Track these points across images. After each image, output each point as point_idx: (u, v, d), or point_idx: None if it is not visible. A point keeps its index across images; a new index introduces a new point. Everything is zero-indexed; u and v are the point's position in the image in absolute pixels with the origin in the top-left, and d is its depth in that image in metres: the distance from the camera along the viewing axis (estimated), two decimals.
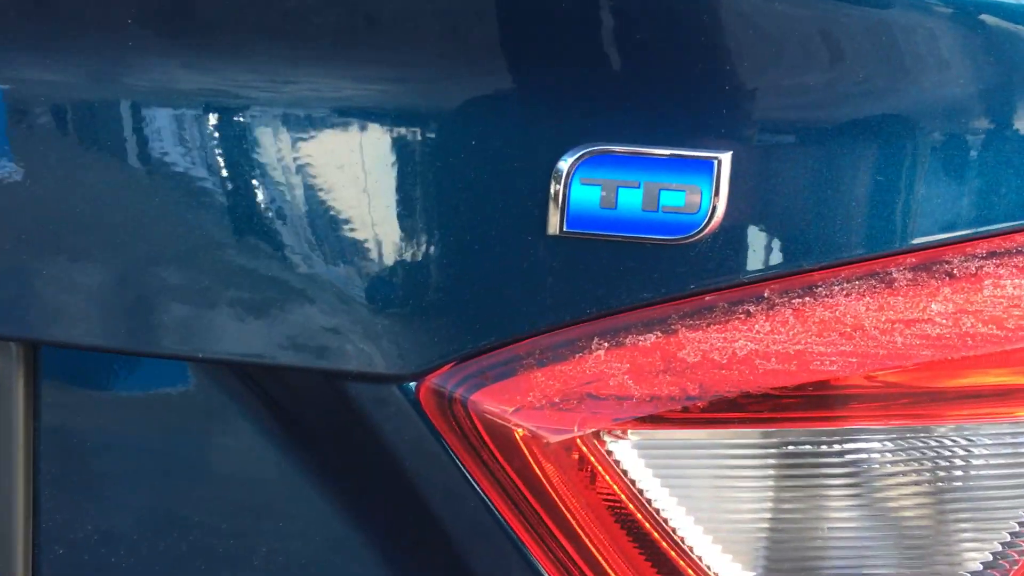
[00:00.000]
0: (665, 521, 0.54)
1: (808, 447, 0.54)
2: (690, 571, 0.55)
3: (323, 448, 0.62)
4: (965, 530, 0.56)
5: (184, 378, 0.67)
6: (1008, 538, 0.56)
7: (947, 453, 0.54)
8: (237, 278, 0.59)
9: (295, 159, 0.56)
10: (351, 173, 0.56)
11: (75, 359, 0.70)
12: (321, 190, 0.56)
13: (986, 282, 0.53)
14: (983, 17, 0.53)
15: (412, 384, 0.57)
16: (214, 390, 0.65)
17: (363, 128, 0.55)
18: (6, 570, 0.75)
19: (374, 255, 0.56)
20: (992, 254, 0.54)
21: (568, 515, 0.56)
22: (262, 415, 0.63)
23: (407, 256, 0.56)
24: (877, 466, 0.55)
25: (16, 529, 0.74)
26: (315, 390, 0.60)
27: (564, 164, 0.53)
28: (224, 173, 0.57)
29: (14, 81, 0.60)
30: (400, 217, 0.55)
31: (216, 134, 0.57)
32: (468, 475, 0.57)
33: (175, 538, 0.70)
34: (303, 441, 0.62)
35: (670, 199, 0.53)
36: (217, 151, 0.57)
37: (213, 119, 0.57)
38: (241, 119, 0.56)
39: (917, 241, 0.54)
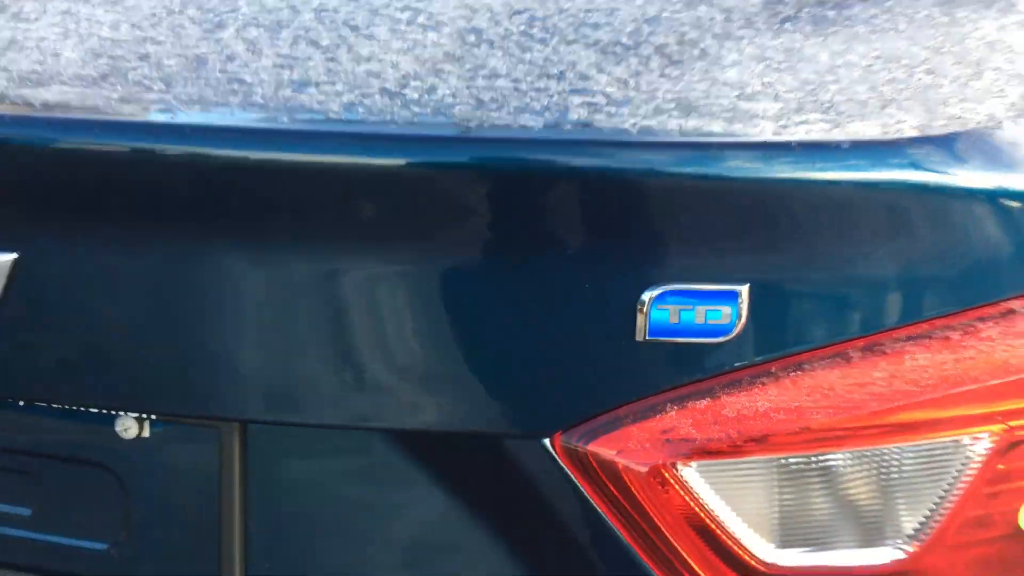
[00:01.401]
0: (720, 521, 0.86)
1: (803, 464, 0.86)
2: (735, 553, 0.87)
3: (482, 494, 0.92)
4: (901, 511, 0.89)
5: (365, 445, 0.96)
6: (923, 519, 0.89)
7: (887, 463, 0.87)
8: (418, 368, 0.89)
9: (444, 305, 0.87)
10: (501, 312, 0.87)
11: (275, 432, 0.98)
12: (470, 325, 0.87)
13: (906, 356, 0.86)
14: (896, 194, 0.86)
15: (547, 440, 0.88)
16: (393, 455, 0.94)
17: (501, 279, 0.87)
18: None
19: (522, 356, 0.87)
20: (909, 338, 0.87)
21: (657, 520, 0.87)
22: (431, 468, 0.93)
23: (546, 356, 0.87)
24: (844, 473, 0.87)
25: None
26: (477, 449, 0.90)
27: (646, 296, 0.84)
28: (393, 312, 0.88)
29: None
30: (537, 334, 0.86)
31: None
32: (589, 498, 0.88)
33: None
34: (467, 489, 0.92)
35: (712, 316, 0.85)
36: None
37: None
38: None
39: (864, 331, 0.87)
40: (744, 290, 0.85)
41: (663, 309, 0.85)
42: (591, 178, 0.84)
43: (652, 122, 0.86)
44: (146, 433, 1.00)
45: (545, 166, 0.84)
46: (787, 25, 1.04)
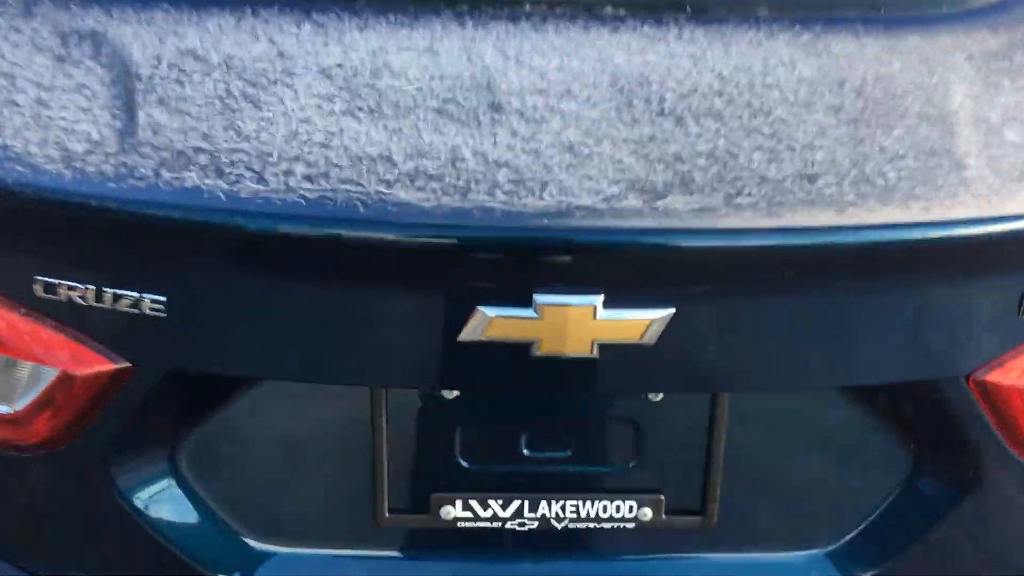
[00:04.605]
0: None
1: None
2: None
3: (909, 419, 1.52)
4: None
5: (820, 400, 1.52)
6: None
7: None
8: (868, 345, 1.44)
9: None
10: None
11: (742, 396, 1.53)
12: None
13: None
14: None
15: (962, 378, 1.45)
16: (838, 401, 1.51)
17: None
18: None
19: (944, 330, 1.43)
20: None
21: (1018, 417, 1.48)
22: (872, 409, 1.51)
23: (957, 329, 1.43)
24: None
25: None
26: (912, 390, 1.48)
27: None
28: None
29: None
30: (955, 319, 1.43)
31: None
32: (982, 409, 1.47)
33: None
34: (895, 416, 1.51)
35: None
36: None
37: None
38: None
39: None
40: None
41: None
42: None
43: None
44: (661, 399, 1.52)
45: None
46: None
